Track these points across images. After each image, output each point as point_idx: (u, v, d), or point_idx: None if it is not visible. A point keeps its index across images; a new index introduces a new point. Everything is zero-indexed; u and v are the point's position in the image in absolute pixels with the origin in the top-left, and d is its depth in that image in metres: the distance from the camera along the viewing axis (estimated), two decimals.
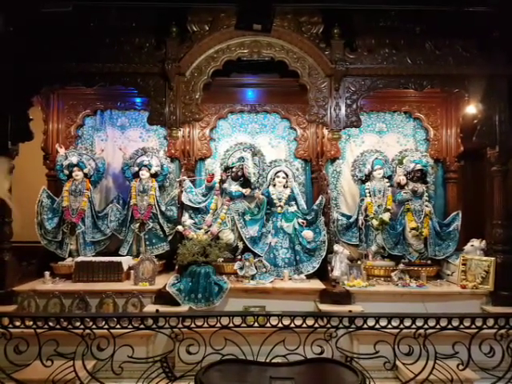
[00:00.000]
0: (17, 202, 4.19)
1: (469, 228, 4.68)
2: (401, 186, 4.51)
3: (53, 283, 4.09)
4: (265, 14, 3.37)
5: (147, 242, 4.57)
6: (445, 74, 4.05)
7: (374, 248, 4.49)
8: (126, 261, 4.28)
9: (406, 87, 4.16)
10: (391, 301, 3.84)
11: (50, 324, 2.51)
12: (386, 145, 4.96)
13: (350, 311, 3.18)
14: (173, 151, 4.89)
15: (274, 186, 4.54)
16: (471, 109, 4.49)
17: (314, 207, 4.49)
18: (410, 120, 5.03)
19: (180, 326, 2.58)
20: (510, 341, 2.55)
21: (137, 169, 4.64)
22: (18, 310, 3.71)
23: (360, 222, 4.57)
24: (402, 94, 4.84)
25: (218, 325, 2.56)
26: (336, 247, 4.23)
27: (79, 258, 4.28)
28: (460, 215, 4.53)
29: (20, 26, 3.88)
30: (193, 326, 2.57)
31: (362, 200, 4.62)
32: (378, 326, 2.53)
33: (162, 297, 3.79)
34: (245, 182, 4.54)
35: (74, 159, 4.53)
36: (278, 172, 4.55)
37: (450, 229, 4.51)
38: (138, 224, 4.54)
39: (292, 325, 2.55)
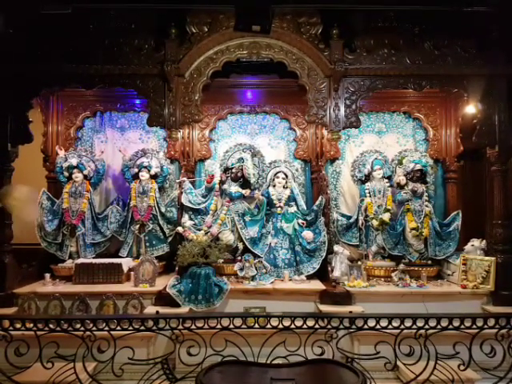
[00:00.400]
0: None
1: (469, 228, 4.69)
2: (401, 186, 4.51)
3: (53, 285, 4.09)
4: (264, 15, 3.37)
5: (147, 244, 4.57)
6: (444, 74, 4.05)
7: (374, 248, 4.49)
8: (126, 262, 4.28)
9: (406, 87, 4.16)
10: (392, 301, 3.83)
11: (51, 326, 2.50)
12: (386, 145, 4.97)
13: (351, 312, 3.17)
14: (172, 152, 4.89)
15: (274, 186, 4.54)
16: (470, 109, 4.49)
17: (314, 208, 4.49)
18: (409, 120, 5.03)
19: (180, 327, 2.58)
20: (511, 341, 2.54)
21: (136, 170, 4.64)
22: (19, 312, 3.71)
23: (360, 223, 4.57)
24: (402, 94, 4.84)
25: (219, 326, 2.56)
26: (336, 248, 4.23)
27: (79, 260, 4.28)
28: (460, 215, 4.53)
29: (19, 27, 3.89)
30: (193, 327, 2.56)
31: (362, 200, 4.62)
32: (378, 326, 2.53)
33: (162, 298, 3.79)
34: (244, 182, 4.54)
35: (73, 161, 4.53)
36: (278, 173, 4.56)
37: (450, 229, 4.51)
38: (137, 225, 4.54)
39: (292, 326, 2.54)
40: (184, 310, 3.67)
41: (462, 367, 2.50)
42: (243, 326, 2.56)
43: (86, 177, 4.58)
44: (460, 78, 4.05)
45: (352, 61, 4.05)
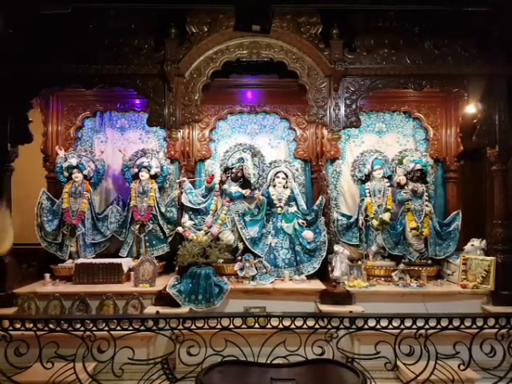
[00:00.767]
0: (16, 204, 4.22)
1: (469, 228, 4.68)
2: (401, 186, 4.51)
3: (53, 285, 4.09)
4: (264, 15, 3.37)
5: (147, 244, 4.57)
6: (444, 74, 4.05)
7: (374, 248, 4.49)
8: (126, 262, 4.28)
9: (406, 87, 4.16)
10: (392, 301, 3.83)
11: (51, 326, 2.50)
12: (386, 145, 4.96)
13: (351, 312, 3.17)
14: (172, 152, 4.89)
15: (274, 186, 4.54)
16: (471, 108, 4.49)
17: (314, 207, 4.49)
18: (409, 120, 5.03)
19: (180, 327, 2.58)
20: (511, 341, 2.54)
21: (136, 170, 4.64)
22: (19, 312, 3.71)
23: (360, 222, 4.57)
24: (402, 93, 4.83)
25: (219, 326, 2.56)
26: (336, 247, 4.23)
27: (79, 260, 4.28)
28: (460, 215, 4.53)
29: (19, 27, 3.88)
30: (193, 327, 2.56)
31: (362, 200, 4.62)
32: (378, 326, 2.53)
33: (162, 298, 3.79)
34: (245, 182, 4.54)
35: (73, 161, 4.53)
36: (278, 172, 4.55)
37: (451, 228, 4.50)
38: (137, 225, 4.54)
39: (293, 326, 2.54)
40: (184, 310, 3.67)
41: (462, 367, 2.50)
42: (243, 326, 2.55)
43: (85, 177, 4.58)
44: (460, 77, 4.05)
45: (352, 60, 4.05)
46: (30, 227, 4.44)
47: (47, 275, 4.20)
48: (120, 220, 4.63)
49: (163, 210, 4.62)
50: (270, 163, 4.70)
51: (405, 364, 2.59)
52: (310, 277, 4.22)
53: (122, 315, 3.53)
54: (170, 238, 4.63)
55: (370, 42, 4.07)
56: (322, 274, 4.24)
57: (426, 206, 4.49)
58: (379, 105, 4.96)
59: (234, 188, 4.49)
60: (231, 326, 2.55)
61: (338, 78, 4.02)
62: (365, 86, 4.08)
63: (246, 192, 4.49)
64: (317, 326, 2.56)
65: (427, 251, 4.46)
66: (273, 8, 3.44)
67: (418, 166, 4.48)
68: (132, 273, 4.09)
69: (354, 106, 4.08)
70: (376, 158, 4.63)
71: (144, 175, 4.61)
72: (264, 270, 4.15)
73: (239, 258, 4.30)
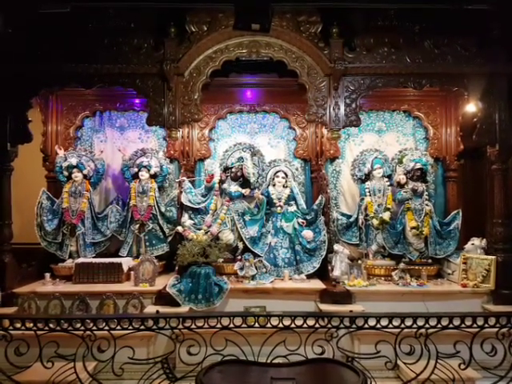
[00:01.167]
0: (16, 204, 4.21)
1: (469, 227, 4.68)
2: (401, 185, 4.51)
3: (53, 285, 4.09)
4: (263, 14, 3.37)
5: (147, 243, 4.56)
6: (444, 73, 4.05)
7: (374, 247, 4.49)
8: (126, 262, 4.28)
9: (406, 86, 4.15)
10: (392, 300, 3.83)
11: (51, 326, 2.50)
12: (386, 144, 4.96)
13: (351, 311, 3.17)
14: (172, 152, 4.88)
15: (274, 185, 4.54)
16: (471, 107, 4.48)
17: (314, 207, 4.48)
18: (409, 119, 5.02)
19: (180, 326, 2.57)
20: None
21: (136, 170, 4.64)
22: (19, 311, 3.70)
23: (360, 222, 4.57)
24: (402, 92, 4.82)
25: (219, 325, 2.56)
26: (336, 247, 4.22)
27: (79, 260, 4.27)
28: (460, 214, 4.52)
29: (18, 27, 3.88)
30: (193, 326, 2.56)
31: (362, 199, 4.61)
32: (378, 325, 2.53)
33: (162, 298, 3.78)
34: (244, 182, 4.53)
35: (73, 161, 4.53)
36: (278, 172, 4.55)
37: (451, 227, 4.50)
38: (137, 225, 4.53)
39: (293, 325, 2.54)
40: (184, 309, 3.67)
41: (462, 366, 2.49)
42: (243, 326, 2.55)
43: (85, 176, 4.57)
44: (460, 76, 4.05)
45: (352, 59, 4.04)
46: (30, 227, 4.44)
47: (47, 275, 4.20)
48: (120, 219, 4.63)
49: (163, 209, 4.62)
50: (270, 162, 4.69)
51: (405, 363, 2.59)
52: (309, 276, 4.21)
53: (122, 315, 3.53)
54: (169, 238, 4.63)
55: (370, 41, 4.06)
56: (322, 273, 4.23)
57: (426, 205, 4.49)
58: (379, 104, 4.95)
59: (233, 187, 4.48)
60: (231, 325, 2.55)
61: (337, 77, 4.02)
62: (365, 85, 4.08)
63: (246, 191, 4.49)
64: (317, 325, 2.56)
65: (427, 250, 4.46)
66: (272, 7, 3.44)
67: (418, 165, 4.47)
68: (132, 272, 4.09)
69: (353, 105, 4.07)
70: (376, 157, 4.63)
71: (144, 175, 4.60)
72: (264, 270, 4.15)
73: (239, 257, 4.30)
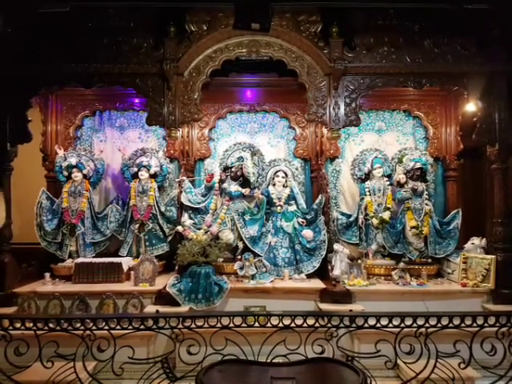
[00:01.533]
0: (16, 204, 4.21)
1: (469, 226, 4.68)
2: (400, 185, 4.51)
3: (53, 284, 4.08)
4: (263, 13, 3.36)
5: (147, 243, 4.57)
6: (444, 72, 4.05)
7: (374, 247, 4.49)
8: (126, 262, 4.27)
9: (405, 85, 4.16)
10: (392, 300, 3.83)
11: (51, 325, 2.50)
12: (386, 143, 4.96)
13: (351, 310, 3.17)
14: (172, 151, 4.88)
15: (274, 185, 4.54)
16: (471, 107, 4.48)
17: (314, 206, 4.48)
18: (409, 118, 5.02)
19: (180, 326, 2.57)
20: None
21: (136, 169, 4.64)
22: (19, 311, 3.70)
23: (360, 221, 4.57)
24: (401, 92, 4.83)
25: (219, 325, 2.55)
26: (336, 246, 4.22)
27: (79, 260, 4.27)
28: (460, 213, 4.52)
29: (18, 26, 3.87)
30: (193, 326, 2.56)
31: (362, 199, 4.61)
32: (378, 325, 2.53)
33: (162, 297, 3.79)
34: (244, 181, 4.53)
35: (72, 160, 4.52)
36: (278, 171, 4.55)
37: (451, 227, 4.50)
38: (137, 225, 4.53)
39: (293, 324, 2.54)
40: (184, 309, 3.67)
41: (462, 365, 2.49)
42: (243, 325, 2.55)
43: (85, 176, 4.57)
44: (460, 76, 4.05)
45: (352, 59, 4.04)
46: (30, 227, 4.44)
47: (47, 275, 4.19)
48: (120, 219, 4.63)
49: (163, 209, 4.62)
50: (270, 162, 4.69)
51: (405, 362, 2.58)
52: (309, 276, 4.21)
53: (122, 314, 3.53)
54: (169, 238, 4.63)
55: (370, 41, 4.07)
56: (322, 272, 4.24)
57: (426, 204, 4.49)
58: (379, 103, 4.95)
59: (233, 187, 4.48)
60: (231, 324, 2.55)
61: (337, 76, 4.02)
62: (364, 85, 4.08)
63: (246, 191, 4.48)
64: (317, 324, 2.56)
65: (427, 250, 4.46)
66: (272, 6, 3.43)
67: (418, 165, 4.47)
68: (132, 272, 4.09)
69: (353, 105, 4.07)
70: (376, 157, 4.63)
71: (143, 174, 4.60)
72: (264, 269, 4.15)
73: (239, 257, 4.30)
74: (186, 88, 4.06)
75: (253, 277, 4.07)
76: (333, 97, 4.06)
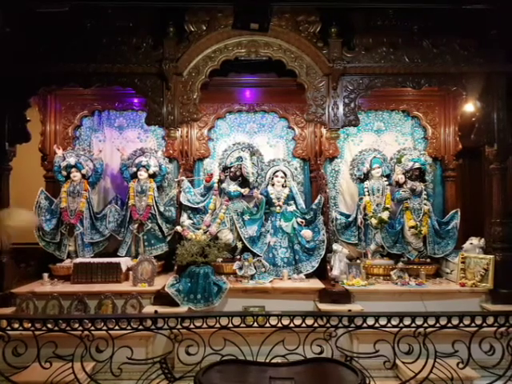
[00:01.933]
0: (15, 204, 4.20)
1: (468, 226, 4.69)
2: (399, 185, 4.51)
3: (51, 285, 4.08)
4: (262, 14, 3.36)
5: (146, 243, 4.56)
6: (442, 73, 4.05)
7: (373, 247, 4.49)
8: (125, 262, 4.27)
9: (404, 86, 4.16)
10: (390, 299, 3.84)
11: (49, 326, 2.49)
12: (385, 143, 4.96)
13: (350, 310, 3.18)
14: (171, 151, 4.88)
15: (273, 185, 4.54)
16: (469, 107, 4.48)
17: (313, 206, 4.48)
18: (408, 118, 5.02)
19: (179, 326, 2.57)
20: (510, 339, 2.54)
21: (135, 169, 4.63)
22: (17, 312, 3.70)
23: (359, 221, 4.57)
24: (400, 92, 4.83)
25: (218, 325, 2.55)
26: (335, 246, 4.23)
27: (78, 260, 4.27)
28: (459, 213, 4.53)
29: (17, 26, 3.86)
30: (192, 326, 2.55)
31: (361, 199, 4.62)
32: (377, 324, 2.53)
33: (161, 297, 3.78)
34: (243, 181, 4.53)
35: (71, 160, 4.52)
36: (277, 171, 4.55)
37: (449, 227, 4.51)
38: (136, 225, 4.53)
39: (291, 325, 2.54)
40: (183, 309, 3.66)
41: (460, 365, 2.49)
42: (242, 325, 2.55)
43: (84, 176, 4.57)
44: (459, 76, 4.06)
45: (351, 59, 4.04)
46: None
47: (45, 275, 4.19)
48: (118, 219, 4.62)
49: (162, 209, 4.61)
50: (269, 162, 4.69)
51: (404, 362, 2.59)
52: (308, 276, 4.21)
53: (121, 315, 3.52)
54: (168, 238, 4.62)
55: (369, 41, 4.07)
56: (321, 272, 4.24)
57: (425, 204, 4.49)
58: (378, 103, 4.96)
59: (232, 187, 4.48)
60: (230, 325, 2.55)
61: (336, 76, 4.02)
62: (363, 85, 4.08)
63: (245, 191, 4.48)
64: (316, 324, 2.55)
65: (426, 250, 4.47)
66: (271, 6, 3.43)
67: (417, 165, 4.48)
68: (131, 272, 4.09)
69: (352, 105, 4.08)
70: (375, 157, 4.64)
71: (142, 174, 4.60)
72: (263, 269, 4.15)
73: (238, 257, 4.30)
74: (185, 88, 4.06)
75: (252, 277, 4.07)
76: (332, 97, 4.06)
